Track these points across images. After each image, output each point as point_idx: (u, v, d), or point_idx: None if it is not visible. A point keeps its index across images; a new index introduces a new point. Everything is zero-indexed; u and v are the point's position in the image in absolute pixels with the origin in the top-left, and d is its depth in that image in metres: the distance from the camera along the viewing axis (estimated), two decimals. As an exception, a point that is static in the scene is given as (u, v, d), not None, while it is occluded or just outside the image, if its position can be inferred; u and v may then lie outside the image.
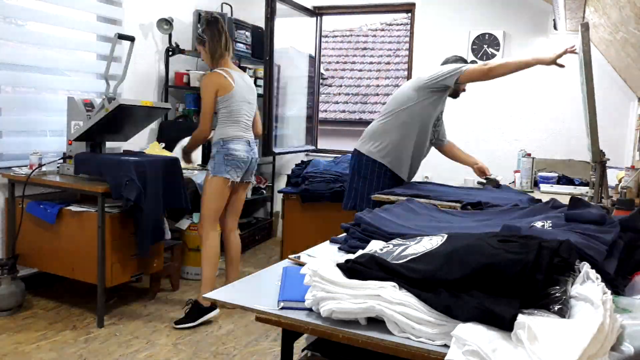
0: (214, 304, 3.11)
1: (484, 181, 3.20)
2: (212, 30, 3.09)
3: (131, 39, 3.43)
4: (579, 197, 1.65)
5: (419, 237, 1.26)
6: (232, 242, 3.40)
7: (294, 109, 5.32)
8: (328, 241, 1.75)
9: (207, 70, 4.67)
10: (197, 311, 3.09)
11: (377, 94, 9.57)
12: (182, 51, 4.44)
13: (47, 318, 3.10)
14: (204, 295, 1.27)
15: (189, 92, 4.55)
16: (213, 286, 3.03)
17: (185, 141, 3.43)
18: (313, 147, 5.40)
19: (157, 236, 3.22)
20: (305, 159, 5.07)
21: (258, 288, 1.32)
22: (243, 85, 3.17)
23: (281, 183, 5.16)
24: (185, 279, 3.88)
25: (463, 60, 3.09)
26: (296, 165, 4.70)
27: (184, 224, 3.85)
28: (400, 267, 1.09)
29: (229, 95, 3.07)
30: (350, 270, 1.11)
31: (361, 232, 1.61)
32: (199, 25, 3.31)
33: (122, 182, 2.93)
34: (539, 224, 1.44)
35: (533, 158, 3.39)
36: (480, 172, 3.28)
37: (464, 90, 3.17)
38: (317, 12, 5.22)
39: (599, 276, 1.08)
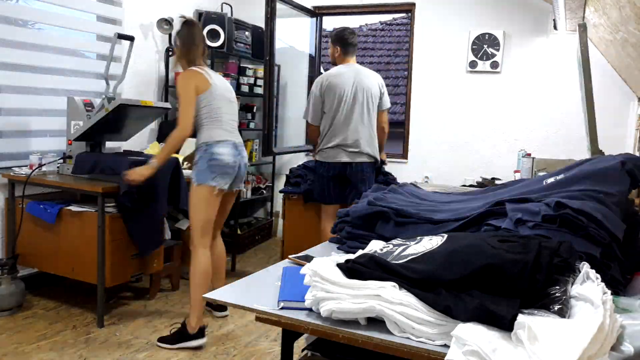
0: (202, 332, 2.84)
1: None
2: (189, 31, 2.91)
3: (131, 38, 3.43)
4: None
5: (419, 237, 1.26)
6: (216, 251, 3.09)
7: (294, 109, 5.32)
8: (328, 241, 1.75)
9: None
10: (181, 335, 2.83)
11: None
12: (182, 51, 4.43)
13: (47, 318, 3.10)
14: (204, 295, 1.27)
15: (189, 92, 4.55)
16: (202, 310, 2.86)
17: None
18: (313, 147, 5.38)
19: (156, 241, 3.23)
20: (305, 159, 5.06)
21: (258, 288, 1.32)
22: (220, 83, 2.94)
23: (281, 183, 5.15)
24: (185, 279, 3.87)
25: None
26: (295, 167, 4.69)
27: (183, 224, 3.84)
28: (400, 267, 1.09)
29: (208, 92, 2.83)
30: (350, 270, 1.11)
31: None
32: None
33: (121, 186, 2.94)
34: (550, 180, 1.45)
35: (533, 158, 3.40)
36: None
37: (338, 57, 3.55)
38: (317, 12, 5.22)
39: (599, 276, 1.08)
